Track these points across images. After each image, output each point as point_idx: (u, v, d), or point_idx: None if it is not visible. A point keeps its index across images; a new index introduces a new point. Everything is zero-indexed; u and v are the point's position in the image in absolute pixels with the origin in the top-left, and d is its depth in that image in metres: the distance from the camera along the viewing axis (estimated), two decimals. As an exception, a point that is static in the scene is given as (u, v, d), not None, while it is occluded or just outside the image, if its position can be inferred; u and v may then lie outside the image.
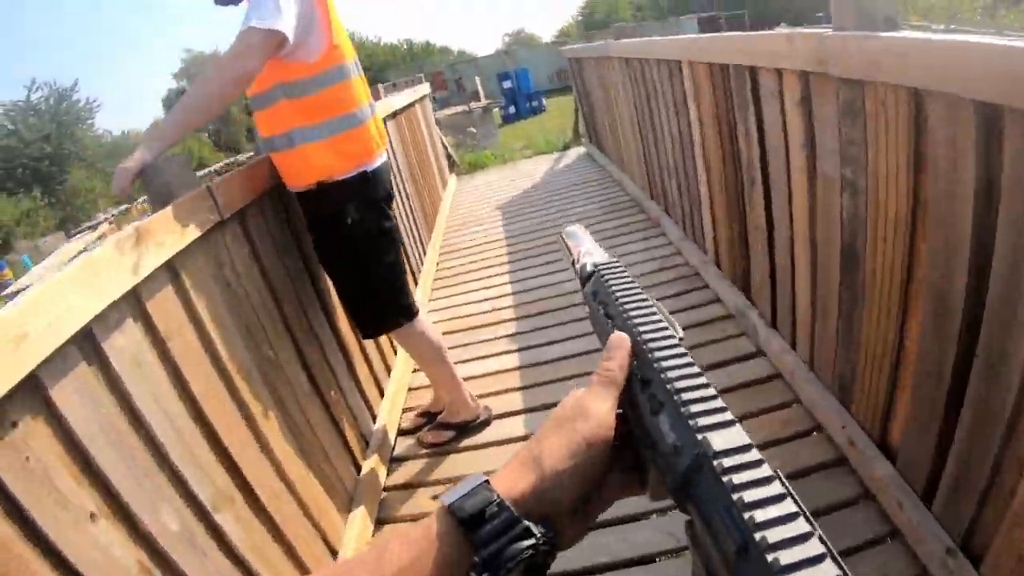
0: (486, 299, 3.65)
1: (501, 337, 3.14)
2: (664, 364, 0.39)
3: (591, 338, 2.86)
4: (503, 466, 0.41)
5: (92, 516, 0.93)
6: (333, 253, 2.02)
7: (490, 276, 4.00)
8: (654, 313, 0.45)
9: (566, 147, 8.25)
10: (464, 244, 4.78)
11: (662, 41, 3.12)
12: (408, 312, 2.14)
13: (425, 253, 4.36)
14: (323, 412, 1.94)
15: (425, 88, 6.68)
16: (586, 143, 7.17)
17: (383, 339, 2.76)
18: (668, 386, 0.37)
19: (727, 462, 0.31)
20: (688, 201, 3.35)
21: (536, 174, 6.84)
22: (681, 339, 0.43)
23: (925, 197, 1.38)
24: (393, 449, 2.41)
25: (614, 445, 0.40)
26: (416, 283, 3.80)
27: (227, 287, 1.52)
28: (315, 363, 1.95)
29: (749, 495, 0.29)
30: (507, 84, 16.51)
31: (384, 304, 2.09)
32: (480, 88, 14.01)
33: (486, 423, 2.45)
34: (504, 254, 4.34)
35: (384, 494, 2.18)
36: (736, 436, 0.33)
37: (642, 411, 0.40)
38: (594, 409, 0.41)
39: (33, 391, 0.91)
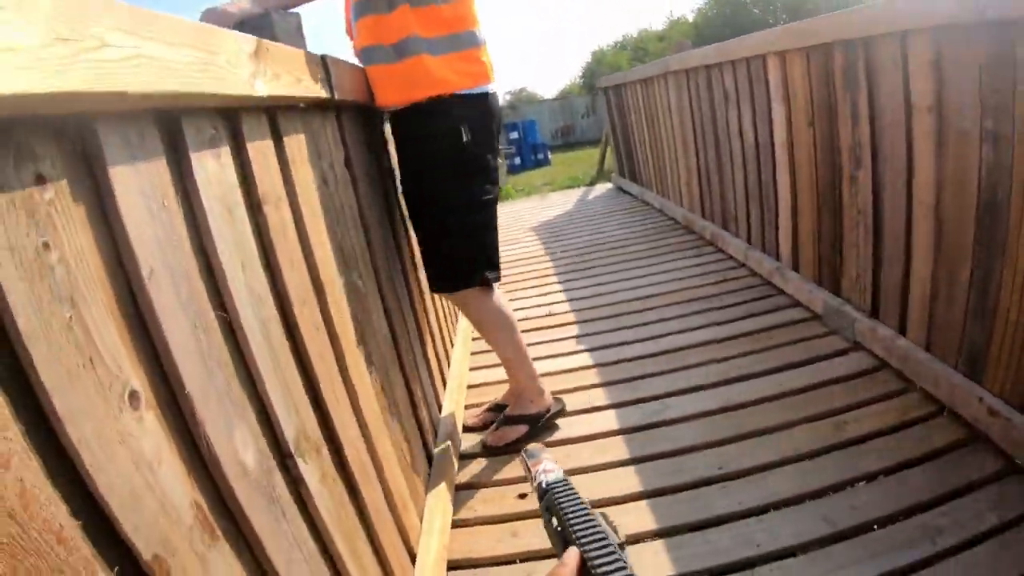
0: (539, 305, 3.44)
1: (567, 339, 2.93)
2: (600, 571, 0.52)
3: (665, 340, 2.70)
4: None
5: (133, 398, 0.61)
6: (434, 179, 1.75)
7: (541, 285, 3.81)
8: (596, 527, 0.57)
9: (592, 182, 8.16)
10: (503, 259, 4.57)
11: (745, 38, 3.02)
12: (495, 271, 1.92)
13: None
14: (401, 376, 1.67)
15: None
16: (615, 177, 7.06)
17: (444, 325, 2.52)
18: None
19: None
20: (760, 209, 3.21)
21: (566, 204, 6.70)
22: (621, 544, 0.56)
23: None
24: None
25: None
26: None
27: (324, 185, 1.26)
28: (395, 315, 1.69)
29: None
30: (513, 135, 16.41)
31: (474, 253, 1.85)
32: (486, 139, 14.05)
33: (559, 414, 2.19)
34: (551, 267, 4.15)
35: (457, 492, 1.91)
36: None
37: None
38: None
39: (70, 138, 0.59)
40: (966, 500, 1.54)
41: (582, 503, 0.61)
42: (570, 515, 0.59)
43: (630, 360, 2.58)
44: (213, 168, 0.83)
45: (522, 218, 6.26)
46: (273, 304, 0.95)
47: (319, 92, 1.18)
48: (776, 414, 2.04)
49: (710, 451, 1.92)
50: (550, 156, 16.25)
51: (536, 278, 3.97)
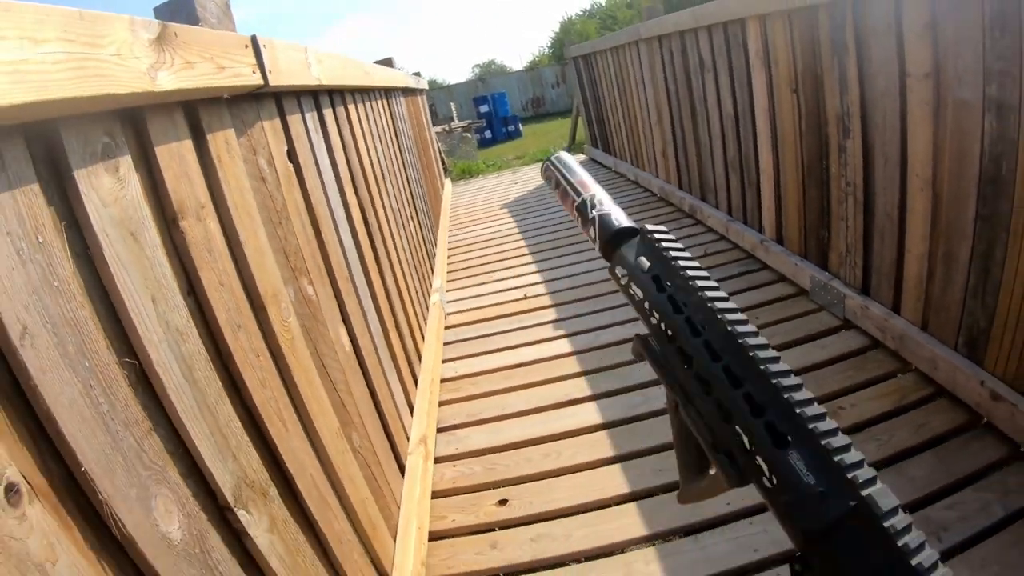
0: (515, 288, 3.31)
1: (544, 324, 2.81)
2: (791, 396, 0.34)
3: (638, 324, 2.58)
4: None
5: (11, 491, 0.50)
6: None
7: (515, 266, 3.68)
8: (739, 311, 0.39)
9: (565, 154, 7.99)
10: (473, 239, 4.44)
11: (723, 1, 2.86)
12: None
13: (436, 243, 4.01)
14: (364, 386, 1.53)
15: (424, 83, 6.37)
16: (588, 148, 6.91)
17: (413, 318, 2.40)
18: (810, 426, 0.33)
19: (896, 523, 0.30)
20: (740, 180, 3.10)
21: (538, 178, 6.55)
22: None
23: None
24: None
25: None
26: (433, 270, 3.46)
27: (262, 184, 1.11)
28: (355, 319, 1.55)
29: (920, 558, 0.29)
30: (483, 108, 15.97)
31: None
32: (454, 113, 13.74)
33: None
34: (524, 246, 4.02)
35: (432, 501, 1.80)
36: (887, 493, 0.31)
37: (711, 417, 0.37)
38: None
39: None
40: (970, 491, 1.47)
41: (707, 274, 0.42)
42: (701, 287, 0.40)
43: (609, 346, 2.48)
44: (109, 186, 0.69)
45: (494, 193, 6.10)
46: (198, 336, 0.81)
47: (248, 80, 1.02)
48: None
49: (699, 444, 1.82)
50: (521, 128, 15.97)
51: (510, 259, 3.84)
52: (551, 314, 2.90)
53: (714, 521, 1.55)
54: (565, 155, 0.55)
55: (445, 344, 2.77)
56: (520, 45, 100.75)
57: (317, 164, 1.49)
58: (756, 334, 0.38)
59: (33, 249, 0.57)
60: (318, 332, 1.26)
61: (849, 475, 0.32)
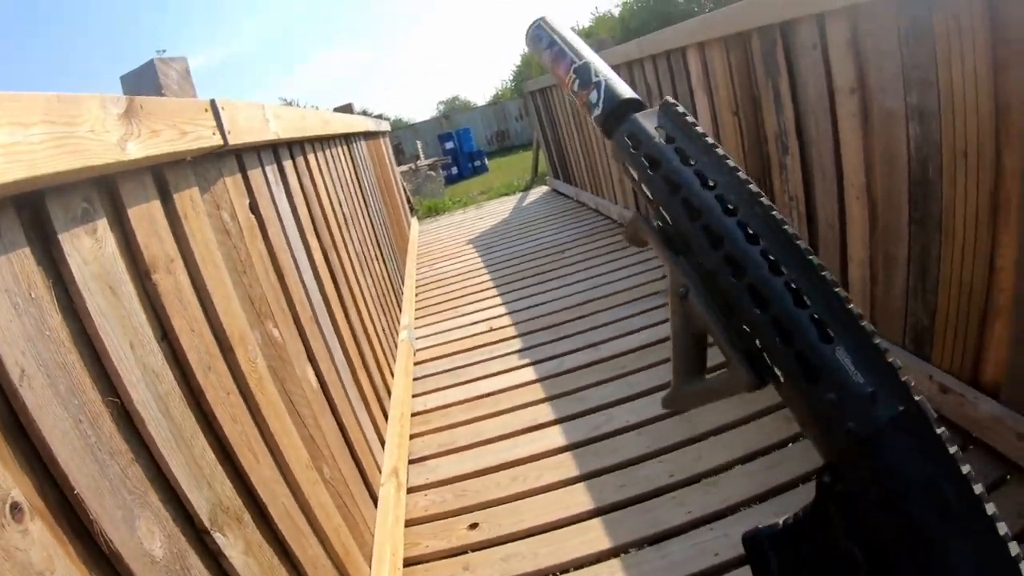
0: (480, 320, 3.41)
1: (510, 353, 2.90)
2: (836, 290, 0.32)
3: (605, 346, 2.70)
4: None
5: (15, 509, 0.57)
6: None
7: (481, 300, 3.78)
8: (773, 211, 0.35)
9: (527, 187, 8.18)
10: (441, 276, 4.54)
11: (662, 32, 3.04)
12: None
13: (403, 282, 4.10)
14: (333, 421, 1.61)
15: (386, 125, 6.53)
16: (550, 179, 7.10)
17: (380, 355, 2.48)
18: (848, 317, 0.31)
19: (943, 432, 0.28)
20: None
21: (503, 211, 6.70)
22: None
23: (1007, 100, 1.33)
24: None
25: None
26: (401, 308, 3.54)
27: (226, 236, 1.21)
28: (321, 358, 1.63)
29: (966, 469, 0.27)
30: (449, 144, 16.16)
31: None
32: (420, 151, 13.93)
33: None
34: (489, 280, 4.13)
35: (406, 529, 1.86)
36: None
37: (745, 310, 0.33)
38: None
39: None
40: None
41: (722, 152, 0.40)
42: (734, 170, 0.37)
43: (572, 371, 2.58)
44: (89, 246, 0.78)
45: (460, 230, 6.22)
46: (172, 377, 0.90)
47: (210, 141, 1.12)
48: (725, 413, 2.03)
49: (659, 459, 1.91)
50: (487, 162, 16.20)
51: (475, 292, 3.94)
52: (516, 343, 3.00)
53: (675, 530, 1.63)
54: (557, 16, 0.50)
55: (415, 379, 2.84)
56: (483, 79, 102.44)
57: (278, 213, 1.59)
58: (789, 223, 0.35)
59: (27, 303, 0.66)
60: (285, 371, 1.34)
61: (902, 377, 0.30)
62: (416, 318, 3.70)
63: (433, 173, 11.08)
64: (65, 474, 0.65)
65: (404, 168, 11.06)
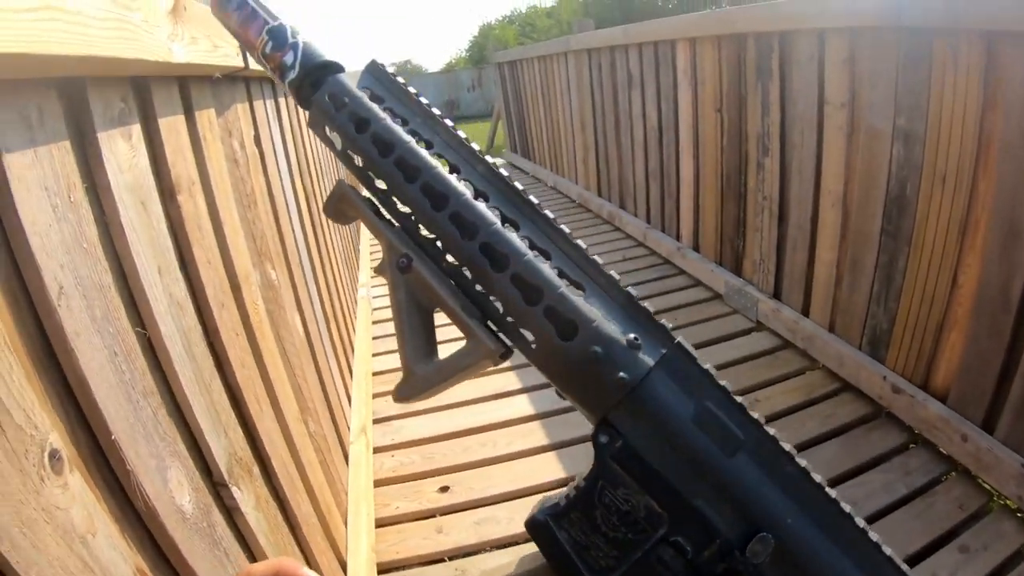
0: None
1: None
2: (574, 243, 0.32)
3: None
4: None
5: (55, 459, 0.48)
6: None
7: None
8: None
9: (483, 157, 8.05)
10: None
11: (653, 22, 3.03)
12: None
13: (359, 240, 3.96)
14: (315, 373, 1.52)
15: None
16: (507, 153, 7.01)
17: (345, 309, 2.38)
18: (593, 268, 0.31)
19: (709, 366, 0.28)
20: (660, 190, 3.27)
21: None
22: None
23: (990, 135, 1.44)
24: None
25: None
26: (359, 265, 3.43)
27: (235, 166, 1.11)
28: (306, 307, 1.53)
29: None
30: None
31: None
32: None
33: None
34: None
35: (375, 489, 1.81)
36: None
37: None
38: None
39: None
40: (875, 472, 1.64)
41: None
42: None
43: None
44: (124, 151, 0.68)
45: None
46: (193, 311, 0.81)
47: (234, 61, 1.01)
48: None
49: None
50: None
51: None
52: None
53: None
54: None
55: (374, 338, 2.75)
56: (437, 46, 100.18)
57: (274, 151, 1.48)
58: (515, 180, 0.34)
59: (66, 208, 0.57)
60: (280, 316, 1.25)
61: (659, 320, 0.29)
62: (372, 276, 3.59)
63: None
64: (103, 415, 0.56)
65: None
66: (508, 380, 2.29)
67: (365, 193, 0.38)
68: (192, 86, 0.91)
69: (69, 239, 0.57)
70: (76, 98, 0.61)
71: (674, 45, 2.83)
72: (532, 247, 0.31)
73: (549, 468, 1.80)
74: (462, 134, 0.35)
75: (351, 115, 0.36)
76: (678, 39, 2.78)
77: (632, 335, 0.29)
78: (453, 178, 0.34)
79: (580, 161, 4.52)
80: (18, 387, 0.46)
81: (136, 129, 0.72)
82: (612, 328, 0.29)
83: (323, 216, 2.18)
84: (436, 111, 0.37)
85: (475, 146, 0.35)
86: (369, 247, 4.09)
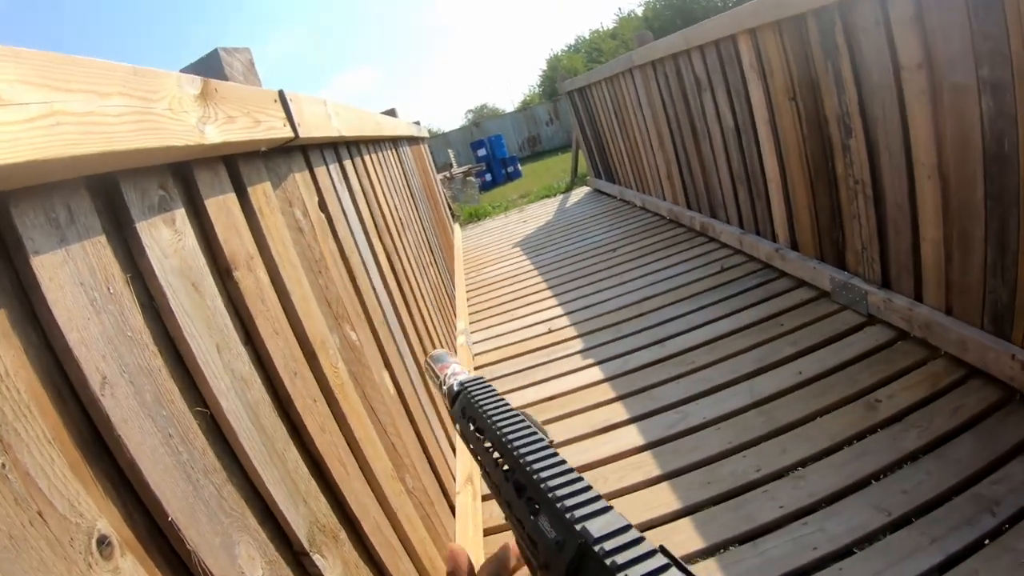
0: (538, 323, 3.31)
1: (572, 355, 2.79)
2: (536, 467, 0.35)
3: (671, 343, 2.58)
4: None
5: (104, 544, 0.48)
6: None
7: (535, 302, 3.67)
8: (521, 421, 0.41)
9: (568, 189, 8.05)
10: (491, 280, 4.45)
11: (709, 21, 2.93)
12: None
13: (455, 286, 4.02)
14: (411, 428, 1.53)
15: (425, 131, 6.47)
16: (592, 180, 6.97)
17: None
18: (542, 486, 0.34)
19: (608, 545, 0.28)
20: (748, 192, 3.12)
21: (546, 214, 6.58)
22: (551, 442, 0.40)
23: None
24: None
25: None
26: (455, 313, 3.47)
27: (300, 235, 1.13)
28: (395, 363, 1.55)
29: (634, 571, 0.27)
30: (481, 152, 15.92)
31: None
32: (453, 160, 13.88)
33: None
34: (541, 282, 4.01)
35: (484, 538, 1.77)
36: (613, 519, 0.30)
37: (523, 521, 0.35)
38: None
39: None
40: (1016, 463, 1.46)
41: (503, 399, 0.46)
42: (490, 413, 0.44)
43: (639, 369, 2.47)
44: (168, 237, 0.70)
45: (504, 234, 6.13)
46: (261, 384, 0.82)
47: (281, 132, 1.04)
48: (803, 404, 1.95)
49: (742, 454, 1.82)
50: (520, 168, 16.08)
51: (529, 295, 3.84)
52: (577, 344, 2.89)
53: (769, 526, 1.54)
54: (435, 351, 0.58)
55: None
56: (510, 86, 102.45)
57: (344, 213, 1.51)
58: (544, 447, 0.38)
59: (105, 300, 0.58)
60: (364, 376, 1.26)
61: (568, 514, 0.32)
62: (471, 322, 3.62)
63: (470, 179, 11.05)
64: (157, 498, 0.56)
65: (439, 176, 11.06)
66: (613, 412, 2.22)
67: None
68: (240, 163, 0.94)
69: (111, 329, 0.58)
70: (111, 192, 0.63)
71: (735, 40, 2.72)
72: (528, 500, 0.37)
73: (663, 499, 1.71)
74: (509, 431, 0.40)
75: (463, 420, 0.46)
76: (738, 33, 2.67)
77: (560, 538, 0.32)
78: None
79: (664, 177, 4.41)
80: (60, 478, 0.47)
81: (180, 213, 0.74)
82: (549, 538, 0.33)
83: (409, 268, 2.22)
84: (497, 419, 0.42)
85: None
86: (465, 294, 4.15)
